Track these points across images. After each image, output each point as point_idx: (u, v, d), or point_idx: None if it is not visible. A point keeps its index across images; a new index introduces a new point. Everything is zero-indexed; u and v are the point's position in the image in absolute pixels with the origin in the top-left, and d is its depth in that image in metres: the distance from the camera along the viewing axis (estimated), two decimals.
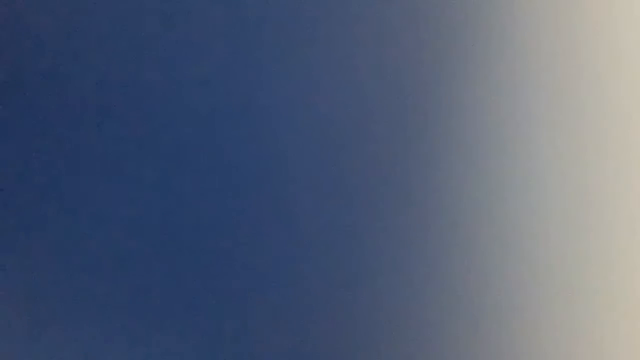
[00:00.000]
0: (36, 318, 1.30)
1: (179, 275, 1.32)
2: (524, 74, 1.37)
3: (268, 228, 1.33)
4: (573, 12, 1.38)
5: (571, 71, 1.38)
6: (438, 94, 1.36)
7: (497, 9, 1.37)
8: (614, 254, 1.37)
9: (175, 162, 1.32)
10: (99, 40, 1.32)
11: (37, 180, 1.31)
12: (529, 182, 1.37)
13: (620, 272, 1.36)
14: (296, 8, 1.35)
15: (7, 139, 1.31)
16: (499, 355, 1.35)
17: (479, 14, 1.37)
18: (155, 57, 1.33)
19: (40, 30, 1.32)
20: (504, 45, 1.37)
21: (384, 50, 1.35)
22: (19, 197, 1.31)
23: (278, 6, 1.35)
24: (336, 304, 1.33)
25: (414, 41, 1.36)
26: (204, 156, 1.33)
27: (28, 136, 1.31)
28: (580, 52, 1.38)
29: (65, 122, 1.32)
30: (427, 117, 1.36)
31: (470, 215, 1.36)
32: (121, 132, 1.32)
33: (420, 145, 1.36)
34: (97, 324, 1.30)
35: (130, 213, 1.31)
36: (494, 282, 1.36)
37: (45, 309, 1.30)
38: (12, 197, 1.30)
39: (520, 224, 1.36)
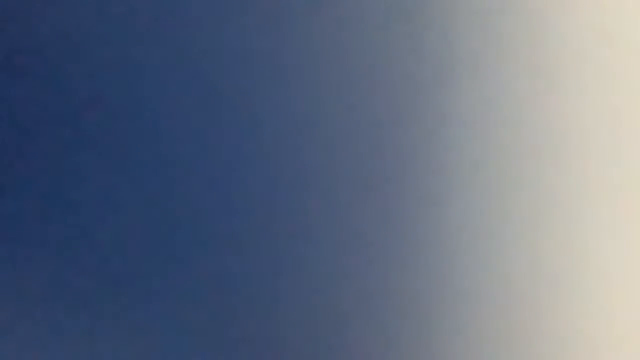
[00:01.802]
0: (36, 318, 1.31)
1: (179, 276, 1.32)
2: (524, 72, 1.37)
3: (268, 228, 1.33)
4: (571, 11, 1.38)
5: (572, 68, 1.38)
6: (435, 96, 1.36)
7: (495, 10, 1.37)
8: (620, 254, 1.36)
9: (177, 161, 1.33)
10: (98, 41, 1.33)
11: (38, 180, 1.32)
12: (530, 180, 1.37)
13: (628, 272, 1.36)
14: (292, 8, 1.35)
15: (8, 137, 1.32)
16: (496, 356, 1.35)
17: (476, 15, 1.37)
18: (155, 56, 1.34)
19: (40, 28, 1.33)
20: (503, 45, 1.37)
21: (381, 50, 1.36)
22: (20, 197, 1.32)
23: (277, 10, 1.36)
24: (336, 305, 1.34)
25: (411, 42, 1.36)
26: (205, 157, 1.33)
27: (28, 135, 1.32)
28: (580, 50, 1.38)
29: (65, 123, 1.33)
30: (427, 118, 1.36)
31: (471, 216, 1.35)
32: (121, 133, 1.33)
33: (419, 146, 1.36)
34: (98, 324, 1.31)
35: (130, 214, 1.32)
36: (495, 284, 1.36)
37: (45, 309, 1.31)
38: (13, 197, 1.31)
39: (522, 223, 1.36)
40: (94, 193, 1.32)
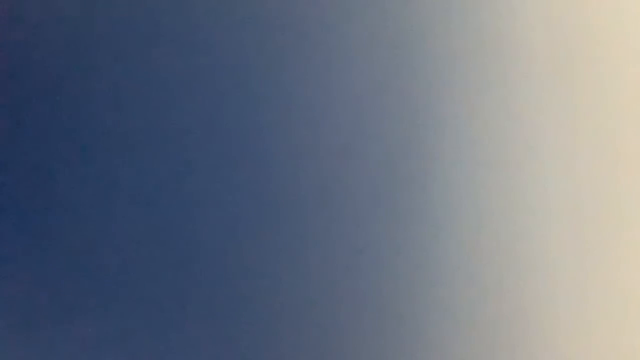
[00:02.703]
0: (36, 319, 1.30)
1: (179, 276, 1.32)
2: (523, 71, 1.38)
3: (268, 230, 1.33)
4: (572, 8, 1.39)
5: (571, 67, 1.39)
6: (437, 94, 1.37)
7: (495, 7, 1.38)
8: (619, 253, 1.36)
9: (178, 161, 1.33)
10: (102, 43, 1.33)
11: (39, 181, 1.31)
12: (530, 182, 1.37)
13: (625, 270, 1.36)
14: (291, 6, 1.36)
15: (9, 138, 1.31)
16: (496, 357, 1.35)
17: (477, 12, 1.38)
18: (157, 57, 1.34)
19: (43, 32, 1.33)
20: (502, 44, 1.38)
21: (380, 50, 1.36)
22: (20, 198, 1.31)
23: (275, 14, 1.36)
24: (336, 307, 1.34)
25: (412, 41, 1.37)
26: (207, 158, 1.33)
27: (30, 136, 1.31)
28: (579, 48, 1.39)
29: (67, 123, 1.32)
30: (427, 117, 1.36)
31: (471, 217, 1.36)
32: (122, 133, 1.32)
33: (419, 146, 1.36)
34: (99, 326, 1.30)
35: (130, 215, 1.32)
36: (495, 284, 1.36)
37: (45, 310, 1.30)
38: (14, 198, 1.31)
39: (521, 224, 1.36)
40: (93, 196, 1.32)
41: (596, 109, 1.38)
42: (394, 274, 1.34)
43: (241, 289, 1.32)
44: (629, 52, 1.38)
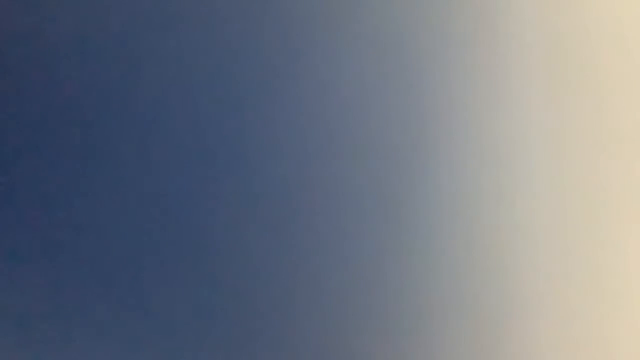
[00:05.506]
0: (36, 320, 1.30)
1: (177, 277, 1.32)
2: (521, 72, 1.37)
3: (266, 229, 1.33)
4: (570, 8, 1.38)
5: (568, 68, 1.38)
6: (435, 94, 1.36)
7: (493, 6, 1.37)
8: (614, 254, 1.36)
9: (176, 162, 1.33)
10: (98, 44, 1.33)
11: (38, 181, 1.31)
12: (526, 181, 1.37)
13: (620, 273, 1.36)
14: (293, 8, 1.35)
15: (8, 138, 1.31)
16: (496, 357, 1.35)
17: (475, 11, 1.37)
18: (154, 58, 1.33)
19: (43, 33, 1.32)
20: (500, 43, 1.37)
21: (375, 50, 1.35)
22: (19, 198, 1.31)
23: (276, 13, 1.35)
24: (335, 307, 1.34)
25: (410, 41, 1.36)
26: (205, 158, 1.33)
27: (28, 136, 1.31)
28: (573, 49, 1.38)
29: (64, 123, 1.32)
30: (426, 117, 1.36)
31: (468, 216, 1.35)
32: (120, 134, 1.32)
33: (418, 145, 1.36)
34: (97, 327, 1.31)
35: (128, 216, 1.32)
36: (492, 284, 1.36)
37: (43, 311, 1.30)
38: (12, 198, 1.31)
39: (518, 224, 1.36)
40: (93, 196, 1.31)
41: (590, 109, 1.38)
42: (388, 272, 1.34)
43: (240, 289, 1.32)
44: (623, 52, 1.38)
